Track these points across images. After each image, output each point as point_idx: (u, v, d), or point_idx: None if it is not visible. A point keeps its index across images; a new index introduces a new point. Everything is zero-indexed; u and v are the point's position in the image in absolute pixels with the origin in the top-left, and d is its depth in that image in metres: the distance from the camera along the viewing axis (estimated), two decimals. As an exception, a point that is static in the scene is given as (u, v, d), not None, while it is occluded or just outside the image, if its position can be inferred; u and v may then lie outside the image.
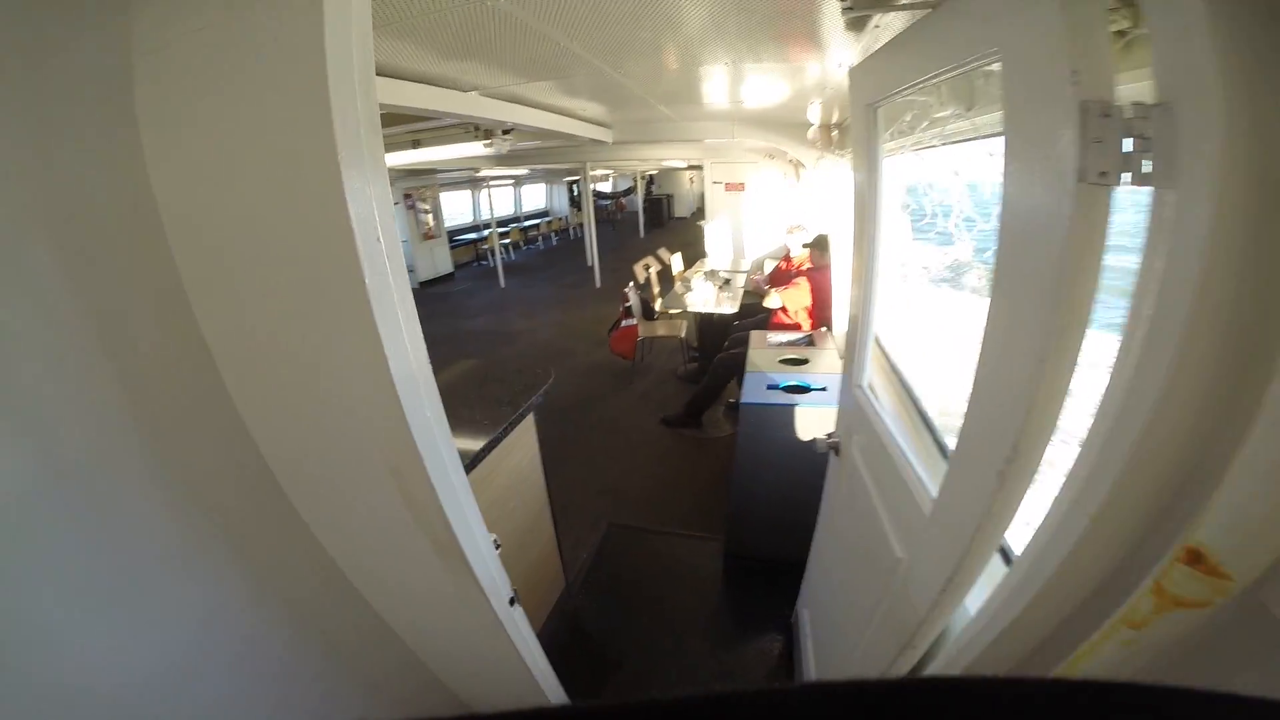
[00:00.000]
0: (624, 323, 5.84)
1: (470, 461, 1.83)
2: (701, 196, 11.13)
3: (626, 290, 5.88)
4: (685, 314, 5.64)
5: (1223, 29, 0.55)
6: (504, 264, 11.77)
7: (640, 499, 3.83)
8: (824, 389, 2.81)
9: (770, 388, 2.88)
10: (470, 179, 11.64)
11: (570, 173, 15.31)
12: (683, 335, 5.79)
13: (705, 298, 5.45)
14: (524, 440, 2.36)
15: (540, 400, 2.31)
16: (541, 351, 7.24)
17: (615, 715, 0.26)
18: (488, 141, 3.51)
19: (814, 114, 3.46)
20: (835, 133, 3.65)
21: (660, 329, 5.94)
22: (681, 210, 20.85)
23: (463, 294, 11.57)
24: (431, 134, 3.81)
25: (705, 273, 6.06)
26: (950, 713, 0.25)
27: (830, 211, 3.98)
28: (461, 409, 2.12)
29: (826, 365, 3.14)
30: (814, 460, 2.14)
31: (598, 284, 10.52)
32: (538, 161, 8.79)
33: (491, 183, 14.21)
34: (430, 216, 12.47)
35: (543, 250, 16.73)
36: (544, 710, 0.26)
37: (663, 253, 8.68)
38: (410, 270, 12.33)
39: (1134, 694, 0.25)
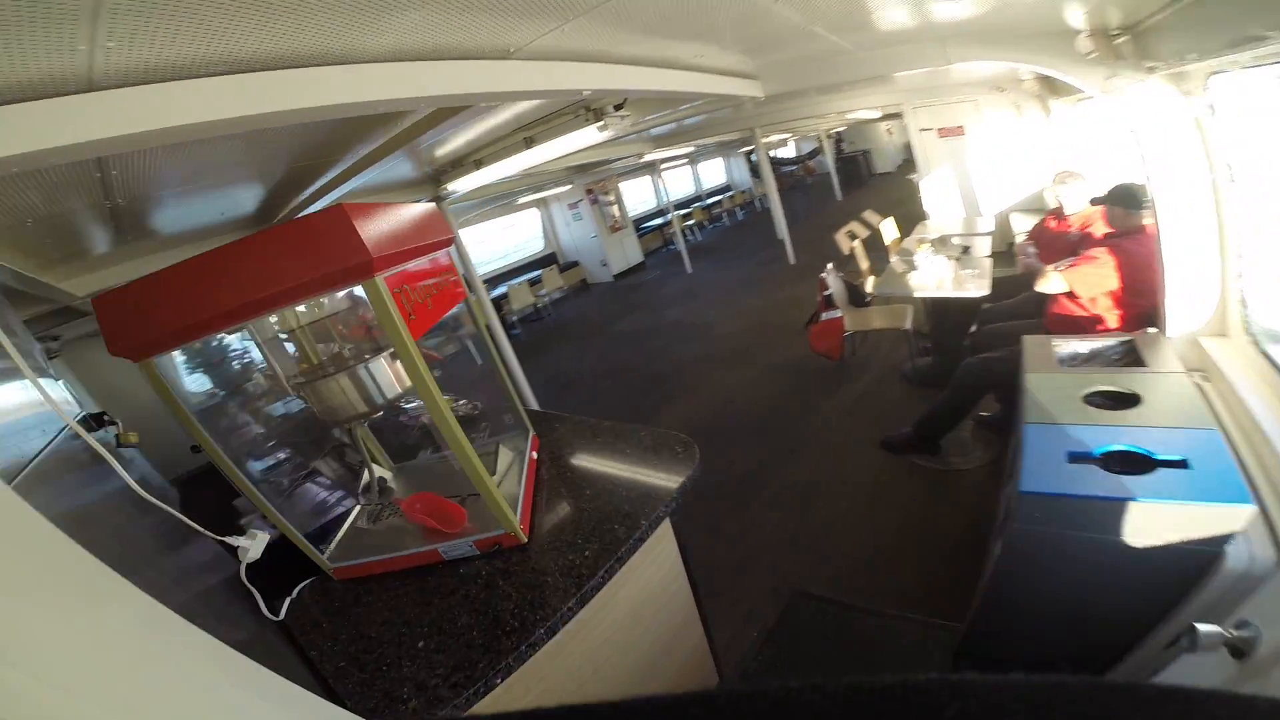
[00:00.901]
0: (824, 315, 4.86)
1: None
2: (907, 147, 9.44)
3: (824, 275, 4.86)
4: (911, 299, 4.45)
5: None
6: (690, 246, 11.19)
7: (843, 557, 2.93)
8: (1183, 463, 1.65)
9: (1076, 458, 1.77)
10: (644, 164, 11.27)
11: (743, 143, 14.21)
12: (907, 326, 4.57)
13: (937, 276, 4.23)
14: (658, 552, 1.71)
15: (675, 505, 1.62)
16: (730, 348, 6.53)
17: (617, 714, 0.27)
18: (601, 124, 2.86)
19: (1076, 15, 2.21)
20: (1124, 39, 2.32)
21: (875, 319, 4.83)
22: (884, 165, 18.35)
23: (654, 283, 11.30)
24: (542, 127, 3.32)
25: (932, 241, 4.76)
26: (950, 712, 0.24)
27: (1136, 154, 2.58)
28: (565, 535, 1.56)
29: (1175, 404, 1.94)
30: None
31: (791, 259, 9.45)
32: (695, 137, 8.00)
33: (664, 165, 13.69)
34: (615, 208, 12.39)
35: (729, 227, 15.89)
36: (541, 711, 0.28)
37: (869, 216, 7.31)
38: (603, 264, 12.69)
39: (1134, 694, 0.25)
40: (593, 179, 11.56)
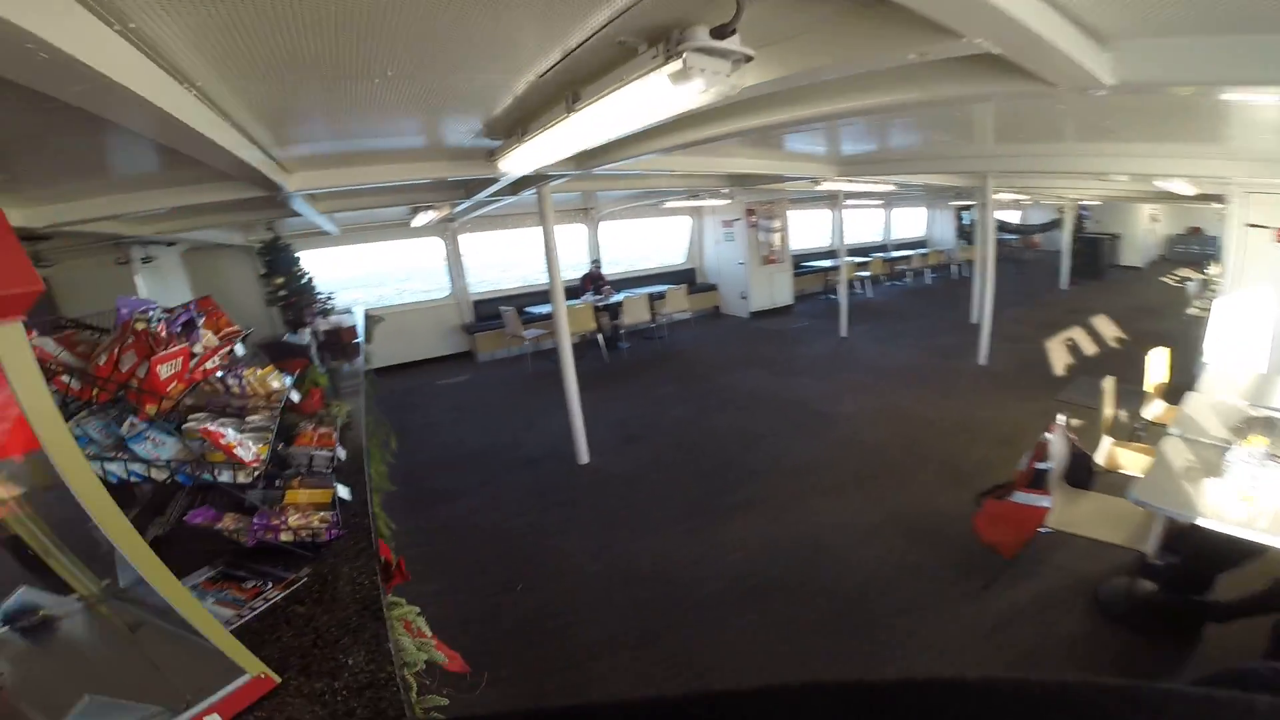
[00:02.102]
0: (1019, 496, 2.90)
1: None
2: (1170, 242, 6.65)
3: (1048, 436, 2.90)
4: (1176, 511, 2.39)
5: None
6: (853, 302, 9.12)
7: None
8: None
9: None
10: (827, 194, 9.43)
11: (962, 194, 11.66)
12: (1147, 549, 2.52)
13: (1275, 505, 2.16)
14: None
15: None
16: (853, 465, 4.64)
17: (619, 714, 0.30)
18: (680, 67, 1.32)
19: None
20: None
21: (1096, 524, 2.80)
22: (1131, 257, 14.56)
23: (794, 336, 9.42)
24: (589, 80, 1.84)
25: (1258, 425, 2.63)
26: (952, 711, 0.25)
27: None
28: None
29: None
30: None
31: (983, 357, 7.14)
32: (904, 168, 6.01)
33: (850, 200, 11.59)
34: (775, 237, 10.66)
35: (910, 290, 13.37)
36: (542, 710, 0.44)
37: (1103, 324, 4.97)
38: (743, 296, 10.67)
39: (1135, 694, 0.25)
40: (758, 198, 9.94)
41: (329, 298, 6.90)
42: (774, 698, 0.25)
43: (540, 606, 3.30)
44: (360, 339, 5.11)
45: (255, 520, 1.76)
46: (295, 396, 2.36)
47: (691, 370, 7.83)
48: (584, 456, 5.04)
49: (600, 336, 8.64)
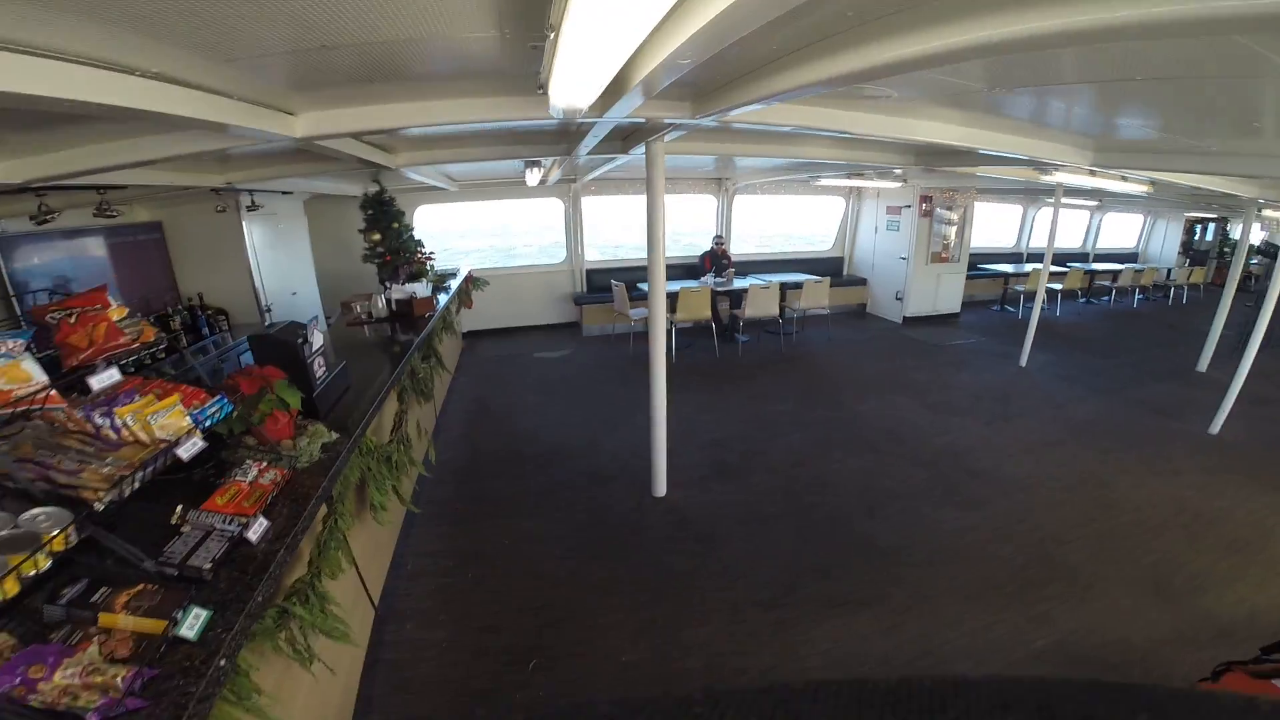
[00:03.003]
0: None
1: None
2: None
3: None
4: None
5: None
6: (1042, 321, 7.24)
7: None
8: None
9: None
10: (1026, 188, 7.51)
11: (1206, 203, 8.89)
12: None
13: None
14: None
15: None
16: (1017, 566, 3.32)
17: (619, 713, 0.29)
18: None
19: None
20: None
21: None
22: None
23: (954, 355, 7.77)
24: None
25: None
26: (954, 710, 0.25)
27: None
28: None
29: None
30: None
31: (1215, 424, 5.25)
32: (1200, 163, 4.22)
33: (1049, 199, 9.35)
34: (953, 230, 8.86)
35: (1112, 313, 10.80)
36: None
37: None
38: (898, 297, 8.46)
39: (1137, 694, 0.26)
40: (940, 183, 8.21)
41: (429, 256, 6.54)
42: (775, 697, 0.25)
43: (549, 697, 2.54)
44: (435, 311, 4.56)
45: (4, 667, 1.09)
46: (188, 450, 1.68)
47: (819, 384, 6.59)
48: (661, 486, 4.17)
49: (715, 325, 7.62)
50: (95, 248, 4.83)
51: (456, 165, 6.05)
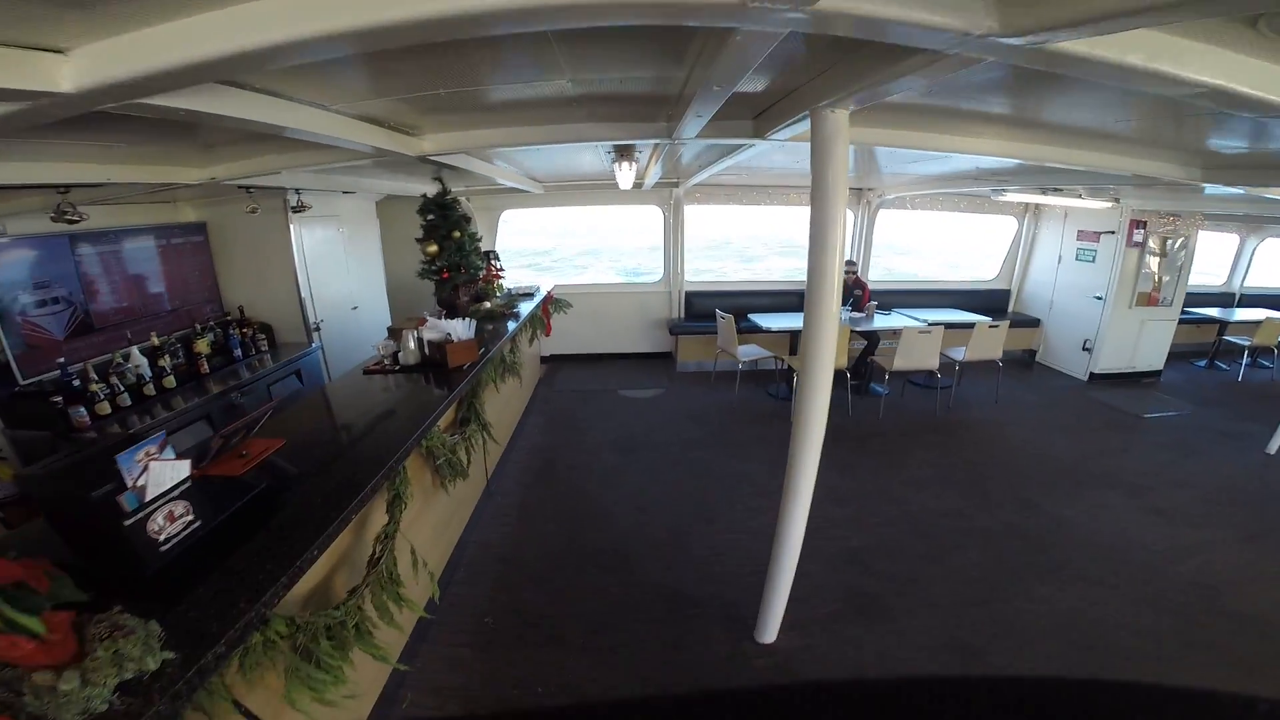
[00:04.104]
0: None
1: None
2: None
3: None
4: None
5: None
6: (1253, 384, 5.06)
7: None
8: None
9: None
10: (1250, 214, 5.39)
11: None
12: None
13: None
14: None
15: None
16: None
17: (619, 713, 0.39)
18: None
19: None
20: None
21: None
22: None
23: (1167, 430, 5.71)
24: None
25: None
26: (951, 710, 0.24)
27: None
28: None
29: None
30: None
31: None
32: None
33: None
34: (1157, 264, 6.76)
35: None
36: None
37: None
38: (1085, 347, 5.00)
39: (1137, 694, 0.33)
40: (1162, 204, 6.19)
41: (499, 271, 5.49)
42: (780, 695, 0.16)
43: None
44: (480, 360, 3.41)
45: None
46: None
47: (991, 467, 4.88)
48: (770, 628, 2.76)
49: (849, 375, 6.04)
50: (133, 249, 4.16)
51: (540, 163, 4.96)
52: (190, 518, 1.57)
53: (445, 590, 3.11)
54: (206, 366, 4.22)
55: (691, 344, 7.00)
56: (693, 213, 7.15)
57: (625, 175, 4.47)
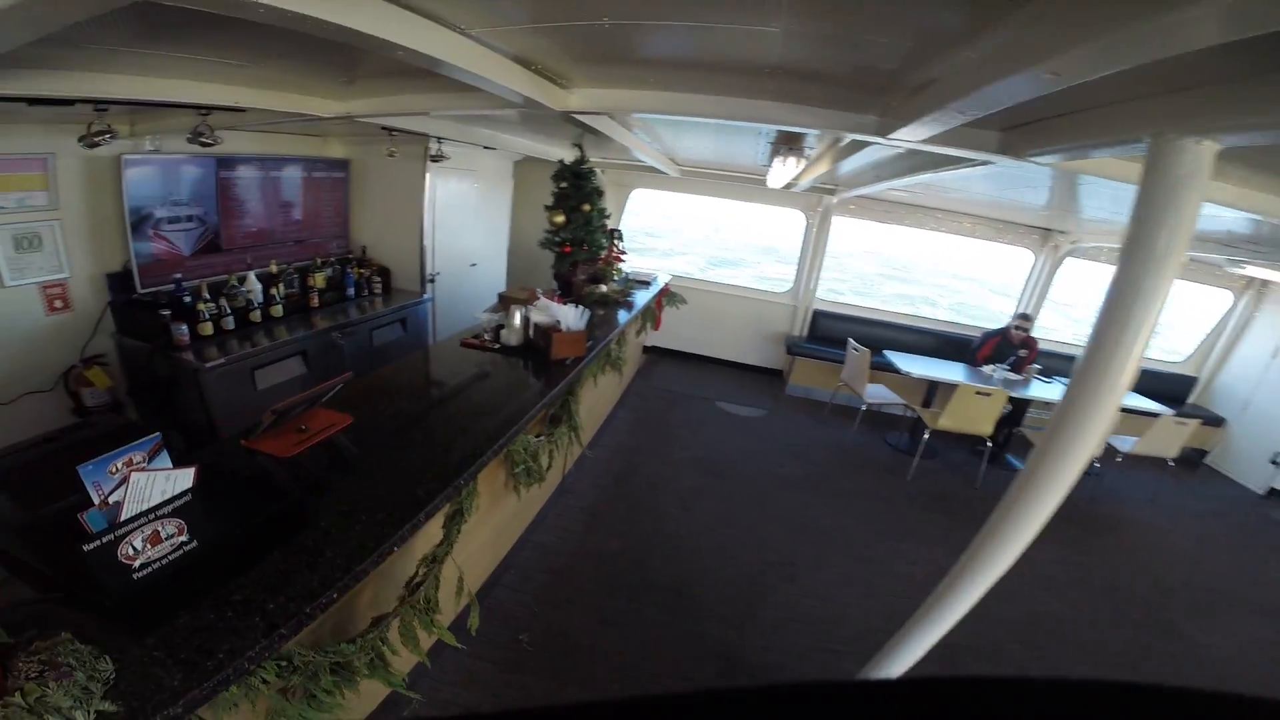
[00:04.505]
0: None
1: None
2: None
3: None
4: None
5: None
6: None
7: None
8: None
9: None
10: None
11: None
12: None
13: None
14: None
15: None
16: None
17: (619, 713, 0.26)
18: None
19: None
20: None
21: None
22: None
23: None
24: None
25: None
26: (950, 710, 0.25)
27: None
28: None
29: None
30: None
31: None
32: None
33: None
34: None
35: None
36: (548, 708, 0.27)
37: None
38: (1273, 462, 2.50)
39: (1137, 693, 0.25)
40: None
41: (622, 250, 5.10)
42: (780, 694, 0.24)
43: None
44: (587, 357, 3.02)
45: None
46: None
47: (1127, 575, 3.96)
48: None
49: (990, 442, 5.16)
50: (277, 178, 4.16)
51: (690, 143, 4.48)
52: (183, 539, 1.25)
53: (488, 594, 2.80)
54: (317, 301, 4.15)
55: (809, 368, 6.33)
56: (839, 225, 6.43)
57: (780, 173, 3.91)
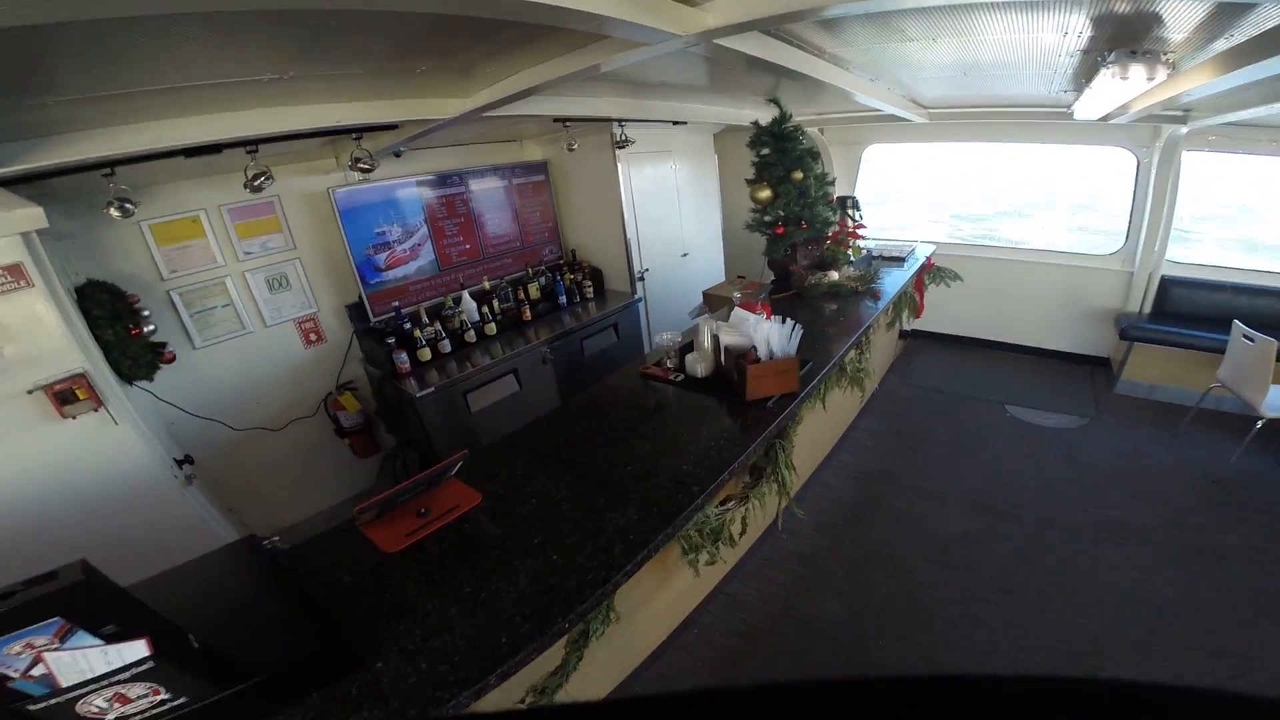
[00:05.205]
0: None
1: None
2: None
3: None
4: None
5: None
6: None
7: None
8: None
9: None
10: None
11: None
12: None
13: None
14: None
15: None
16: None
17: (619, 713, 0.27)
18: None
19: None
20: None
21: None
22: None
23: None
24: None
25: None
26: (950, 710, 0.25)
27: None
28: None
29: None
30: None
31: None
32: None
33: None
34: None
35: None
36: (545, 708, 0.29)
37: None
38: None
39: (1137, 693, 0.24)
40: None
41: (859, 222, 4.06)
42: (780, 695, 0.24)
43: None
44: (801, 397, 2.21)
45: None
46: None
47: None
48: None
49: None
50: (480, 192, 4.19)
51: (940, 77, 3.26)
52: (161, 697, 0.91)
53: (654, 660, 2.27)
54: (530, 313, 4.06)
55: (1156, 358, 4.40)
56: (1196, 160, 4.30)
57: (1096, 100, 2.51)
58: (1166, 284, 4.55)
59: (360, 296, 3.55)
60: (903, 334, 5.58)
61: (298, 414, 3.58)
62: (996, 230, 5.97)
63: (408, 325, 3.49)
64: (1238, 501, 3.39)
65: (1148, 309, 4.66)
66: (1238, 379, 3.61)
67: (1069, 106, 3.44)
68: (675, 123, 4.30)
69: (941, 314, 5.32)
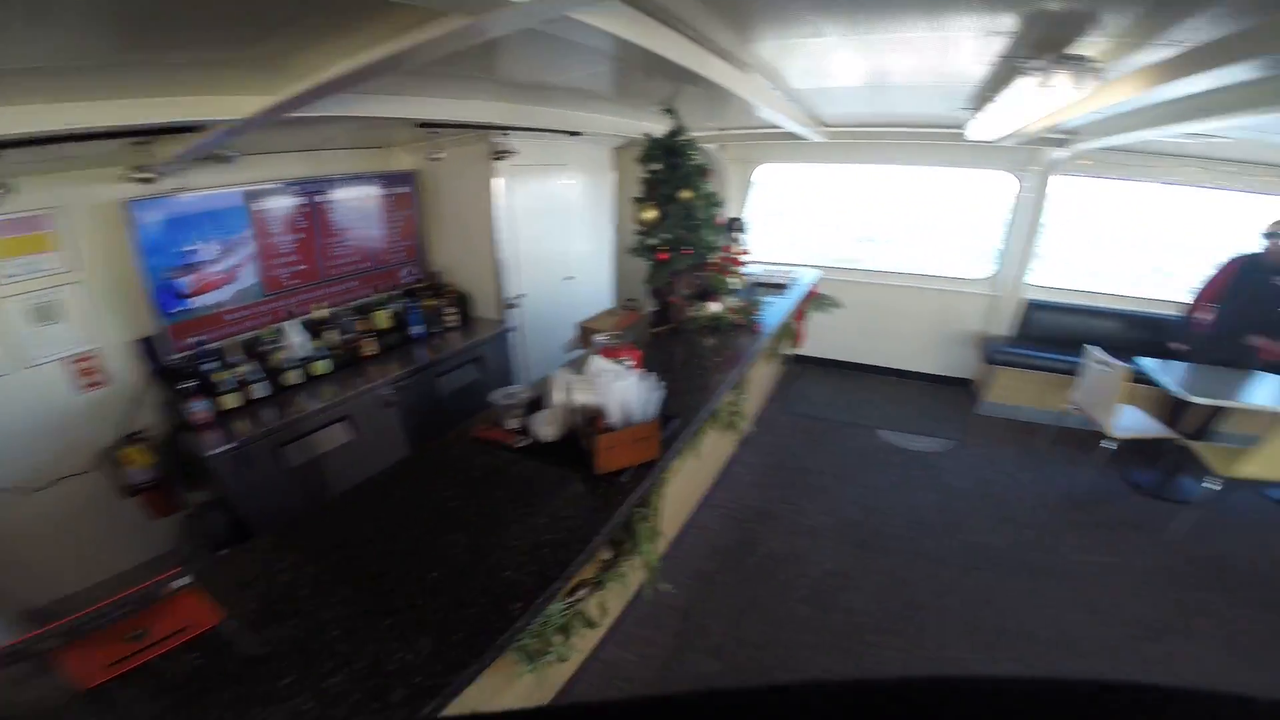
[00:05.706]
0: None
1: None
2: None
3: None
4: None
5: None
6: None
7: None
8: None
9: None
10: None
11: None
12: None
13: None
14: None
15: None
16: None
17: (619, 713, 0.26)
18: None
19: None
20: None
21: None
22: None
23: None
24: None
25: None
26: (949, 710, 0.24)
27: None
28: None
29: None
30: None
31: None
32: None
33: None
34: None
35: None
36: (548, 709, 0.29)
37: None
38: None
39: (1137, 693, 0.25)
40: None
41: (742, 247, 3.92)
42: (780, 695, 0.24)
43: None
44: (657, 460, 1.91)
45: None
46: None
47: None
48: None
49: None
50: (333, 203, 3.62)
51: (842, 97, 3.15)
52: None
53: None
54: (377, 347, 3.53)
55: (1017, 380, 4.59)
56: (1067, 184, 4.56)
57: (990, 121, 2.45)
58: (1032, 307, 4.78)
59: (157, 329, 2.90)
60: (783, 360, 5.54)
61: (68, 470, 2.86)
62: (878, 254, 6.11)
63: (212, 364, 2.88)
64: (1084, 514, 3.55)
65: (1015, 333, 4.87)
66: (1089, 402, 3.77)
67: (962, 126, 3.46)
68: (571, 134, 3.95)
69: (821, 340, 5.32)
